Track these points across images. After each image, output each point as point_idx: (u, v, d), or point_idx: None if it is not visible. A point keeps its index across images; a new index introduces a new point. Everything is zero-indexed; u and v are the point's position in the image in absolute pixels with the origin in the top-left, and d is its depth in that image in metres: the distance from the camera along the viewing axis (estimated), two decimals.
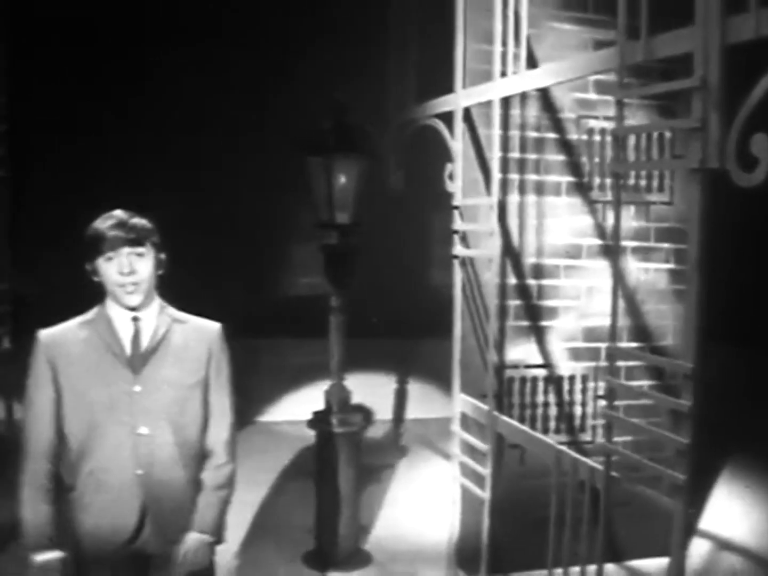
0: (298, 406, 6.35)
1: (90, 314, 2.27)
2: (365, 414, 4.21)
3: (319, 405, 4.14)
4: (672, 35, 2.33)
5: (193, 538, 2.22)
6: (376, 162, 4.03)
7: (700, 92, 2.21)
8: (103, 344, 2.21)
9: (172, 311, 2.32)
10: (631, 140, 3.78)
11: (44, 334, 2.23)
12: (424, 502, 5.10)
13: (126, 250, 2.15)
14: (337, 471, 3.99)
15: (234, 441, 2.35)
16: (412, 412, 7.16)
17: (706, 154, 2.22)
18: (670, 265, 4.14)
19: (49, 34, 6.30)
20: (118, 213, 2.21)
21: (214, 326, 2.33)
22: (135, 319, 2.23)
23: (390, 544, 4.39)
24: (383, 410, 6.86)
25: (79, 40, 6.48)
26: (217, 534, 2.27)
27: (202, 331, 2.30)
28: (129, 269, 2.15)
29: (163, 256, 2.27)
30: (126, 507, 2.19)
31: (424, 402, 7.16)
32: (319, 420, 4.03)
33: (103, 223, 2.17)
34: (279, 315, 6.83)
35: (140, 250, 2.17)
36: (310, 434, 4.15)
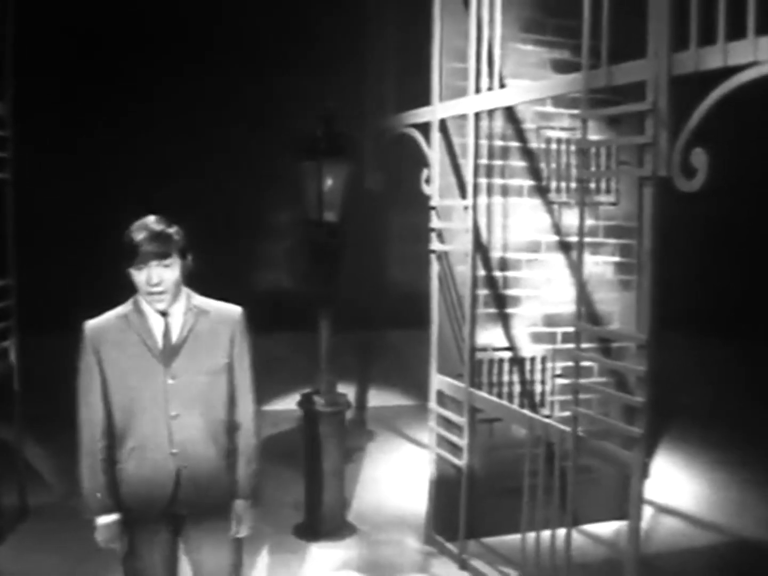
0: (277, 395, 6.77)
1: (126, 306, 2.49)
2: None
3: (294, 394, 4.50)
4: (628, 66, 2.82)
5: (241, 505, 2.54)
6: (358, 166, 4.43)
7: (651, 114, 2.70)
8: (138, 337, 2.43)
9: (198, 300, 2.52)
10: None
11: (89, 325, 2.46)
12: (398, 479, 5.55)
13: (154, 263, 2.36)
14: (324, 448, 4.37)
15: (258, 415, 2.59)
16: (375, 399, 7.60)
17: (656, 164, 2.71)
18: (617, 258, 4.66)
19: (52, 38, 6.53)
20: (151, 224, 2.38)
21: (235, 311, 2.55)
22: (164, 315, 2.45)
23: (371, 516, 4.80)
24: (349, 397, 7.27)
25: (82, 46, 6.74)
26: (255, 496, 2.60)
27: (225, 317, 2.52)
28: (156, 280, 2.37)
29: (189, 258, 2.47)
30: (162, 480, 2.46)
31: (388, 390, 7.62)
32: (307, 400, 4.41)
33: (138, 236, 2.36)
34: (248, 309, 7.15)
35: (167, 261, 2.38)
36: (292, 419, 4.48)
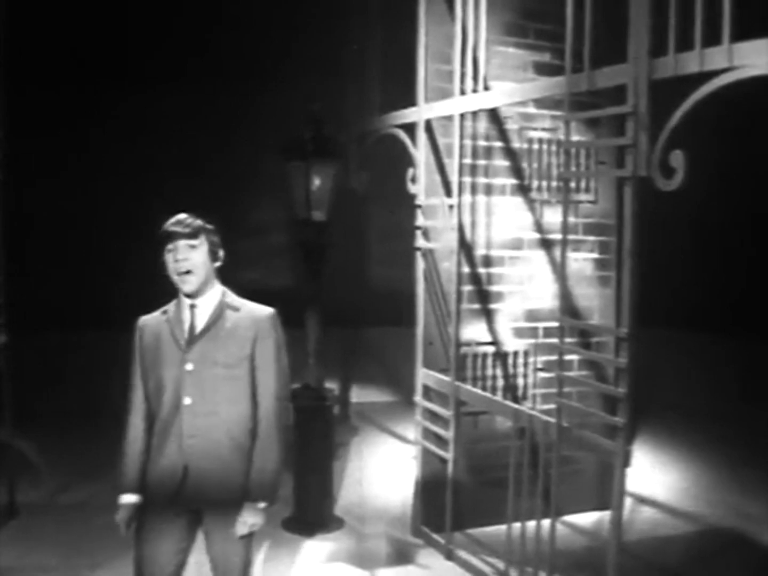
0: None
1: (170, 304, 2.66)
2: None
3: None
4: (610, 70, 2.94)
5: (248, 507, 2.54)
6: (343, 166, 4.52)
7: (632, 117, 2.82)
8: (170, 328, 2.59)
9: (231, 299, 2.63)
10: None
11: (140, 320, 2.67)
12: (382, 473, 5.64)
13: (182, 242, 2.54)
14: (313, 442, 4.45)
15: (282, 416, 2.60)
16: (359, 396, 7.68)
17: (636, 165, 2.83)
18: (595, 255, 4.79)
19: (43, 40, 6.57)
20: (180, 215, 2.60)
21: (264, 311, 2.64)
22: (192, 307, 2.59)
23: (357, 509, 4.89)
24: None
25: (73, 47, 6.78)
26: (270, 498, 2.57)
27: (253, 316, 2.61)
28: (182, 257, 2.53)
29: (221, 251, 2.63)
30: (173, 466, 2.54)
31: (371, 387, 7.71)
32: (296, 395, 4.48)
33: (168, 223, 2.58)
34: None
35: (194, 242, 2.55)
36: None
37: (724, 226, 7.72)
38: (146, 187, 6.63)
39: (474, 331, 4.47)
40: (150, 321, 2.66)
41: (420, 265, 4.30)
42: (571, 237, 4.63)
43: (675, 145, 2.71)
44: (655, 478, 5.58)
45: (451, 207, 4.05)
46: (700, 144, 3.02)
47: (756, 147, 7.18)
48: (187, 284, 2.55)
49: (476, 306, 4.48)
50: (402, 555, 4.25)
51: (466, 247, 4.35)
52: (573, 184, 4.63)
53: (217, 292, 2.62)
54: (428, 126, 4.16)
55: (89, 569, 3.90)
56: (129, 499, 2.61)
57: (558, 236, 4.51)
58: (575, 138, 4.06)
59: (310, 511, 4.51)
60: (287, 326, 4.78)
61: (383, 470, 5.72)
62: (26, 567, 3.93)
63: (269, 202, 7.46)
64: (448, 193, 4.16)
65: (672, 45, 2.70)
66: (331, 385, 4.76)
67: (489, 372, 4.52)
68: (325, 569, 4.09)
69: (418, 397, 4.35)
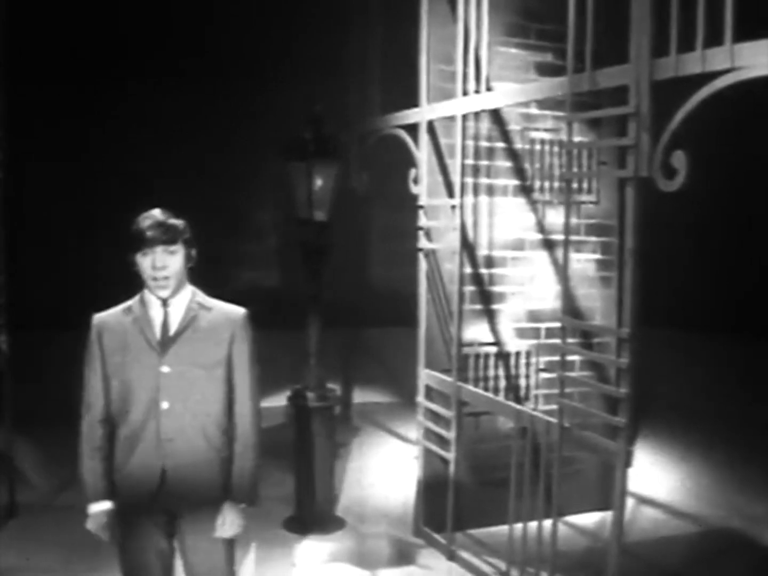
0: (263, 392, 6.82)
1: (132, 301, 2.56)
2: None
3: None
4: (611, 71, 2.93)
5: (229, 508, 2.50)
6: (344, 166, 4.51)
7: (634, 117, 2.82)
8: (139, 328, 2.49)
9: (202, 298, 2.56)
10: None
11: (96, 317, 2.55)
12: (383, 473, 5.64)
13: (160, 248, 2.42)
14: (314, 442, 4.45)
15: (257, 416, 2.56)
16: (360, 396, 7.68)
17: (638, 165, 2.83)
18: (597, 256, 4.78)
19: (43, 38, 6.58)
20: (156, 213, 2.45)
21: (238, 311, 2.57)
22: (164, 305, 2.50)
23: (358, 510, 4.88)
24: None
25: (73, 46, 6.79)
26: (250, 499, 2.55)
27: (227, 316, 2.55)
28: (161, 264, 2.43)
29: (193, 251, 2.53)
30: (149, 472, 2.47)
31: (372, 387, 7.71)
32: (297, 396, 4.48)
33: (143, 223, 2.43)
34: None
35: (172, 248, 2.44)
36: (279, 415, 4.52)
37: (725, 226, 7.72)
38: (146, 187, 6.62)
39: (476, 331, 4.47)
40: (110, 320, 2.53)
41: (422, 265, 4.30)
42: (573, 238, 4.63)
43: (677, 145, 2.71)
44: (656, 479, 5.58)
45: (453, 208, 4.05)
46: (702, 144, 3.01)
47: (757, 147, 7.18)
48: (164, 290, 2.48)
49: (478, 306, 4.47)
50: (403, 555, 4.25)
51: (468, 247, 4.33)
52: (575, 185, 4.63)
53: (187, 291, 2.56)
54: (430, 127, 4.15)
55: (88, 572, 3.89)
56: (102, 506, 2.54)
57: (560, 237, 4.51)
58: (577, 139, 4.07)
59: (311, 511, 4.50)
60: (287, 327, 4.80)
61: (385, 470, 5.72)
62: (26, 567, 3.93)
63: (269, 202, 7.47)
64: (451, 193, 4.16)
65: (674, 45, 2.69)
66: (333, 386, 4.75)
67: (491, 372, 4.52)
68: (326, 569, 4.08)
69: (419, 398, 4.35)
